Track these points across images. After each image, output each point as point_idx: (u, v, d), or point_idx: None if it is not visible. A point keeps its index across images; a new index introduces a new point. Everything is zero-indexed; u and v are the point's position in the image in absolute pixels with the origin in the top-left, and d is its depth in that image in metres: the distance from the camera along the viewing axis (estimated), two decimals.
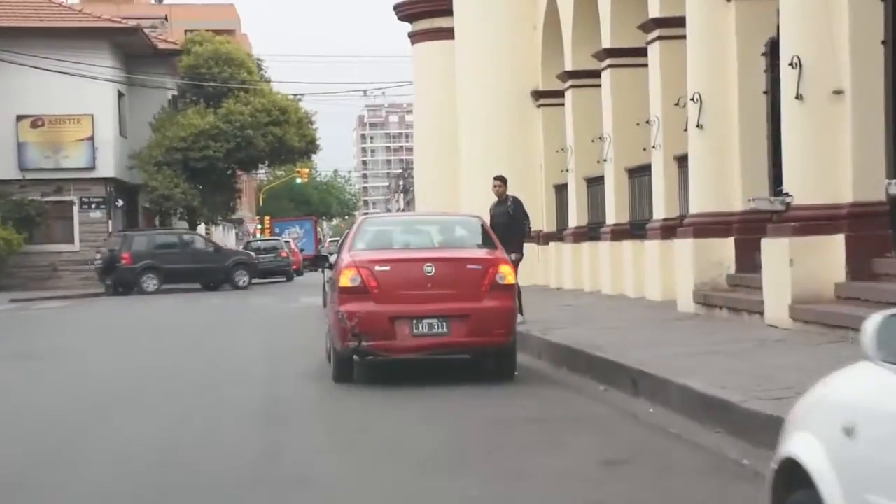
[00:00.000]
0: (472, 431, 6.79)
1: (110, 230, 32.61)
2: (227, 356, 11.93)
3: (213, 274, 29.99)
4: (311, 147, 37.73)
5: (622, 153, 16.40)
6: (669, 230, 13.79)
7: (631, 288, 15.79)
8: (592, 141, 17.38)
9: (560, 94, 19.59)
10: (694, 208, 12.79)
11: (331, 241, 51.86)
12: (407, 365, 9.75)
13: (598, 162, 17.22)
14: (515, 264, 11.90)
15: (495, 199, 12.51)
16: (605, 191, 17.13)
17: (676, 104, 13.36)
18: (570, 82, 18.98)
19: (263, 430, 7.01)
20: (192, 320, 18.33)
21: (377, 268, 9.04)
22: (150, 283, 28.91)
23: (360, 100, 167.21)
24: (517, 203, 12.45)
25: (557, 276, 20.04)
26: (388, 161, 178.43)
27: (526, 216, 12.45)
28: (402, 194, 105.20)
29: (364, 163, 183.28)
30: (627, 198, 16.49)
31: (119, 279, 29.03)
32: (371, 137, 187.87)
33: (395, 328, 8.88)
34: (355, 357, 9.19)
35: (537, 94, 21.24)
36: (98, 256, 30.02)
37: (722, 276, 12.28)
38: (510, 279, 9.20)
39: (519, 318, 11.80)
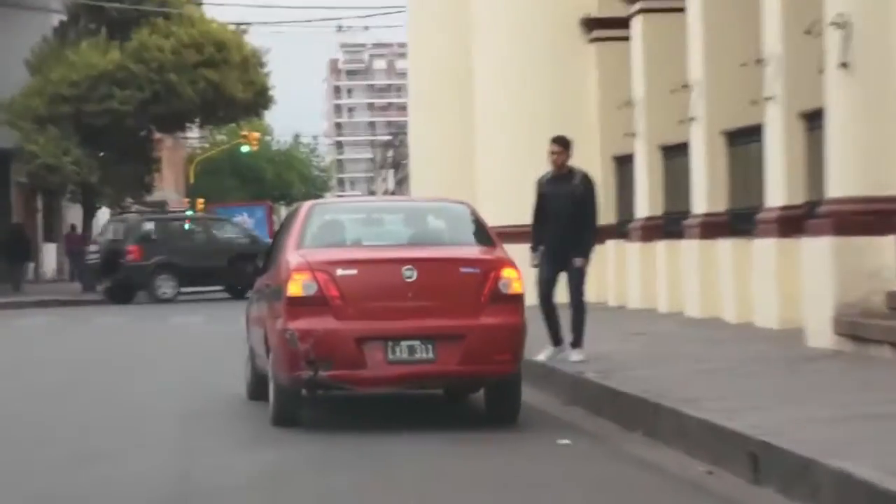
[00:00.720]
0: None
1: None
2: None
3: (244, 275, 30.00)
4: (260, 100, 37.53)
5: (718, 109, 16.35)
6: (792, 223, 13.76)
7: (731, 309, 15.65)
8: (672, 91, 17.27)
9: (624, 22, 19.72)
10: (833, 191, 12.55)
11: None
12: (370, 400, 10.19)
13: (681, 122, 17.13)
14: (579, 274, 11.48)
15: (546, 171, 12.11)
16: (692, 165, 17.03)
17: (808, 32, 12.94)
18: (639, 4, 18.97)
19: None
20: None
21: (339, 271, 9.34)
22: (166, 286, 29.57)
23: (332, 36, 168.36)
24: (589, 182, 11.93)
25: (618, 290, 20.06)
26: (372, 124, 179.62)
27: (596, 202, 12.00)
28: (391, 170, 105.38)
29: (338, 126, 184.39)
30: (725, 175, 16.44)
31: (124, 281, 29.51)
32: (349, 91, 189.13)
33: (365, 353, 9.26)
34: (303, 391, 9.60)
35: (590, 24, 21.45)
36: (93, 249, 30.35)
37: (880, 295, 11.97)
38: (516, 287, 9.59)
39: (576, 354, 11.16)
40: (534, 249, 11.88)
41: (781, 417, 8.06)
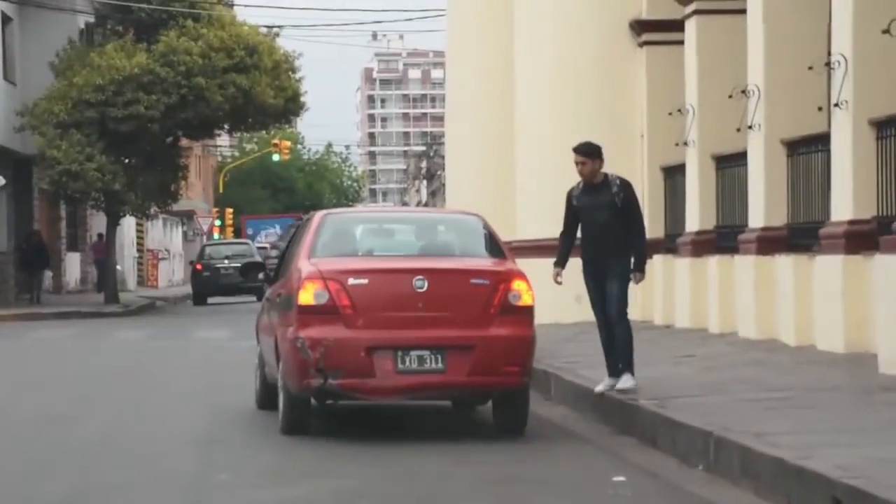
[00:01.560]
0: None
1: None
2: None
3: None
4: (292, 106, 36.97)
5: (779, 116, 15.88)
6: (860, 239, 13.36)
7: (790, 330, 15.08)
8: (730, 96, 16.62)
9: (677, 24, 19.24)
10: None
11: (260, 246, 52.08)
12: (378, 410, 10.43)
13: (738, 130, 16.58)
14: (621, 290, 10.81)
15: (577, 181, 11.29)
16: (750, 175, 16.55)
17: (886, 31, 12.49)
18: (694, 5, 18.44)
19: None
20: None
21: (351, 280, 9.60)
22: None
23: (366, 45, 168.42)
24: (628, 187, 11.07)
25: (665, 308, 19.54)
26: (406, 134, 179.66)
27: (639, 211, 11.21)
28: (424, 181, 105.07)
29: (372, 136, 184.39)
30: (785, 186, 15.91)
31: None
32: (382, 100, 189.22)
33: (375, 362, 9.49)
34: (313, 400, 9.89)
35: (640, 26, 21.02)
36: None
37: None
38: (526, 299, 9.89)
39: (624, 380, 10.59)
40: (558, 265, 11.07)
41: (864, 456, 7.57)
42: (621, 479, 8.35)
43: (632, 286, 11.10)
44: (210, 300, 38.66)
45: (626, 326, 10.96)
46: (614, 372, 11.02)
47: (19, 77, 35.49)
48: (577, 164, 11.07)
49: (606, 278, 10.91)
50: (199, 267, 40.27)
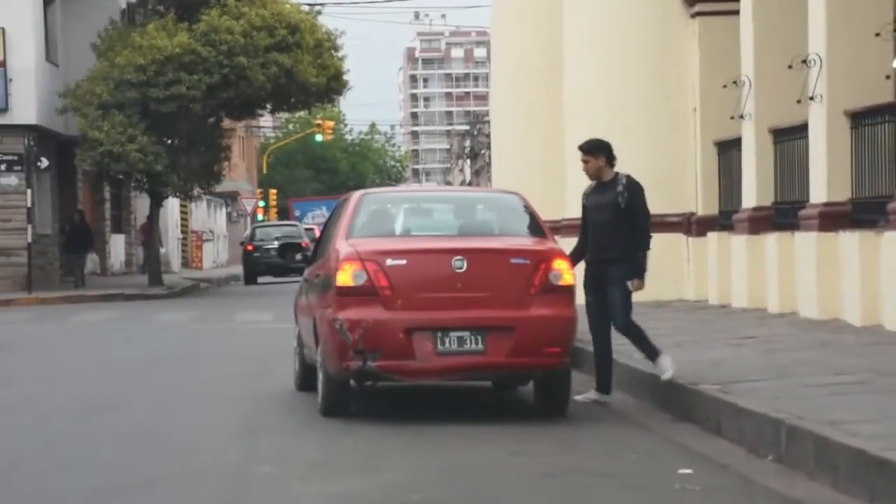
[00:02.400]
0: None
1: (30, 204, 31.62)
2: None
3: None
4: (334, 85, 36.62)
5: (842, 86, 15.48)
6: None
7: (855, 310, 14.71)
8: (790, 66, 16.15)
9: None
10: None
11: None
12: (416, 391, 10.25)
13: (798, 102, 16.16)
14: (621, 297, 10.33)
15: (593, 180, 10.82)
16: (810, 149, 16.16)
17: None
18: None
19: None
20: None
21: (389, 261, 9.52)
22: None
23: (409, 24, 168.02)
24: (633, 187, 10.52)
25: (721, 287, 19.16)
26: (449, 114, 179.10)
27: (646, 210, 10.57)
28: (468, 161, 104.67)
29: (414, 116, 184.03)
30: (848, 160, 15.49)
31: None
32: (425, 80, 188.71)
33: (414, 343, 9.43)
34: (352, 381, 9.82)
35: None
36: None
37: None
38: (567, 278, 9.75)
39: (663, 362, 10.38)
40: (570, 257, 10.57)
41: None
42: (688, 471, 7.85)
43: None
44: (260, 280, 40.76)
45: (633, 332, 10.41)
46: (603, 388, 10.58)
47: (62, 58, 35.40)
48: (582, 162, 10.65)
49: (607, 286, 10.38)
50: (249, 248, 42.43)
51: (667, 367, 10.25)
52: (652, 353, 10.40)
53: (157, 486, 7.62)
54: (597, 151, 10.54)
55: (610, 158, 10.56)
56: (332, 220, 11.05)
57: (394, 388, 10.31)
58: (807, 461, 7.80)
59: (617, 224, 10.36)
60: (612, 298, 10.34)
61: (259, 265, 41.15)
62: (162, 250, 38.63)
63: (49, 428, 10.21)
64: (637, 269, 10.33)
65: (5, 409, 11.35)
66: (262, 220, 59.78)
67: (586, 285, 10.51)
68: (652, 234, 10.65)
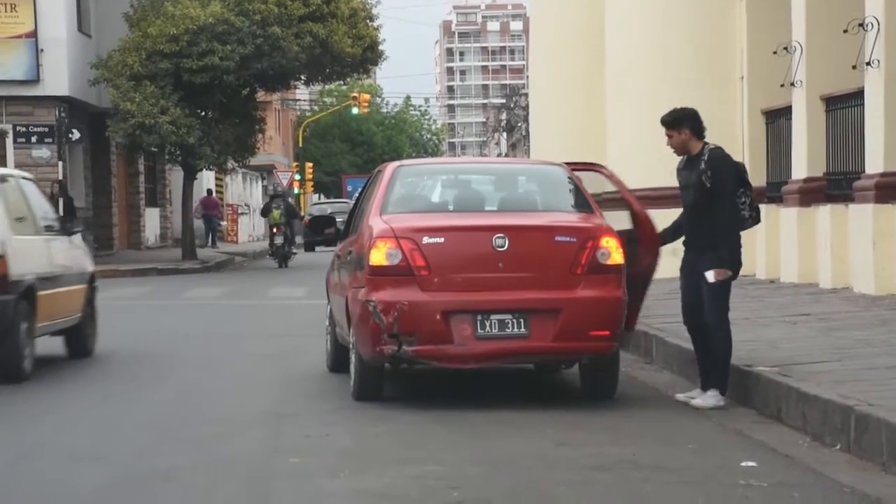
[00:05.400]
0: None
1: (62, 177, 31.10)
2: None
3: None
4: (370, 55, 36.03)
5: None
6: None
7: None
8: (845, 31, 15.55)
9: None
10: None
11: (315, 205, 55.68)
12: (454, 373, 9.72)
13: (854, 68, 15.58)
14: (713, 289, 9.17)
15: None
16: (866, 117, 15.54)
17: None
18: None
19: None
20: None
21: (426, 239, 9.05)
22: None
23: None
24: (716, 161, 9.17)
25: (770, 261, 18.68)
26: (485, 87, 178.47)
27: (735, 185, 9.23)
28: (504, 134, 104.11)
29: (451, 89, 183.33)
30: None
31: None
32: (461, 53, 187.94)
33: (452, 327, 8.95)
34: (386, 365, 9.34)
35: None
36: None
37: None
38: (616, 257, 9.18)
39: (707, 396, 9.46)
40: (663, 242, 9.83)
41: None
42: (751, 464, 7.22)
43: None
44: (317, 249, 42.82)
45: (723, 337, 9.14)
46: (716, 386, 9.25)
47: (94, 28, 34.98)
48: (666, 136, 9.40)
49: (700, 275, 9.18)
50: (307, 222, 45.17)
51: (706, 403, 9.11)
52: (713, 379, 9.20)
53: (177, 479, 7.04)
54: (679, 123, 9.28)
55: (696, 129, 9.28)
56: (364, 193, 10.51)
57: (430, 370, 9.68)
58: (880, 452, 7.22)
59: (704, 206, 9.11)
60: (707, 291, 9.18)
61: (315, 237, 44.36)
62: (223, 223, 38.58)
63: (65, 414, 9.67)
64: (723, 259, 9.09)
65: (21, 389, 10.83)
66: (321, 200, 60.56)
67: (682, 270, 9.42)
68: (759, 207, 9.49)
